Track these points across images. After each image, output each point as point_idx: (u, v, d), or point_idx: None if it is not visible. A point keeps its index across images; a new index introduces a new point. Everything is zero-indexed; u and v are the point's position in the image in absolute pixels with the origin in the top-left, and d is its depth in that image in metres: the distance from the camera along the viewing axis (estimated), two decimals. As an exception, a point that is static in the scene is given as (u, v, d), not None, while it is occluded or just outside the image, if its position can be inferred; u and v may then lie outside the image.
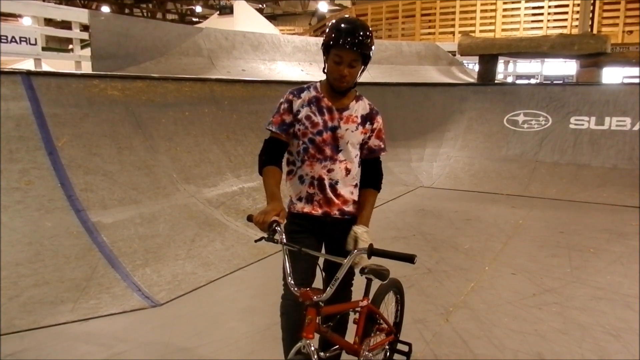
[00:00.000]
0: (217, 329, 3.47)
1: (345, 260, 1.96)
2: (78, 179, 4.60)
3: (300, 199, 2.42)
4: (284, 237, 2.03)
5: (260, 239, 2.05)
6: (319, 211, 2.39)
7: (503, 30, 16.47)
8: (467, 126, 9.30)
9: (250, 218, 2.10)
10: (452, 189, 8.30)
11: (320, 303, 1.96)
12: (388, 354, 2.79)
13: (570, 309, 3.78)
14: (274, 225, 2.01)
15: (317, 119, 2.34)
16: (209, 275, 4.36)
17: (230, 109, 6.97)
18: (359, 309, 2.39)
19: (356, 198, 2.47)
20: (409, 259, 1.91)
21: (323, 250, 2.49)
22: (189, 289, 4.08)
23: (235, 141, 6.69)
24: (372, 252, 1.99)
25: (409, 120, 9.41)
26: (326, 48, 2.25)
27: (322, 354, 2.12)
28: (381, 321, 2.60)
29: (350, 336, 2.41)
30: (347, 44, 2.17)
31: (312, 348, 1.89)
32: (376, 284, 2.47)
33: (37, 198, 4.26)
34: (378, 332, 2.59)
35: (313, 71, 10.64)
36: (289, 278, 2.02)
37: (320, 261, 2.31)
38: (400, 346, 2.88)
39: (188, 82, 6.56)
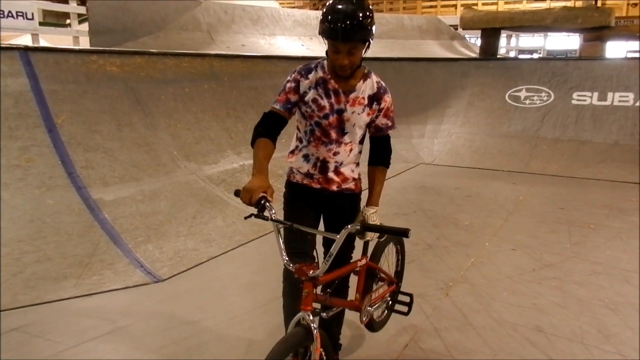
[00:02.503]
0: (219, 303, 3.51)
1: (338, 236, 1.92)
2: (78, 156, 4.59)
3: (300, 173, 2.43)
4: (274, 212, 1.96)
5: (250, 216, 1.99)
6: (317, 186, 2.41)
7: (506, 3, 16.24)
8: (469, 102, 9.23)
9: (237, 193, 2.01)
10: (453, 165, 8.29)
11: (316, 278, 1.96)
12: (390, 303, 2.81)
13: (569, 284, 3.81)
14: (262, 202, 1.94)
15: (324, 102, 2.29)
16: (210, 251, 4.39)
17: (230, 85, 6.91)
18: (358, 269, 2.40)
19: (356, 176, 2.48)
20: (403, 233, 1.87)
21: (322, 223, 2.49)
22: (191, 265, 4.11)
23: (235, 118, 6.65)
24: (365, 227, 1.97)
25: (409, 96, 9.34)
26: (322, 35, 2.13)
27: (324, 314, 2.14)
28: (382, 274, 2.61)
29: (352, 292, 2.43)
30: (340, 35, 2.04)
31: (311, 318, 1.90)
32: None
33: (37, 175, 4.26)
34: (380, 283, 2.62)
35: (314, 46, 10.51)
36: (283, 254, 1.98)
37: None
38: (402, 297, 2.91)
39: (187, 58, 6.49)
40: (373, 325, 2.69)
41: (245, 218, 2.02)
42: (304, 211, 2.40)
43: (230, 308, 3.43)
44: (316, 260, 2.19)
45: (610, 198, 6.27)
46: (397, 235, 1.90)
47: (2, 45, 4.51)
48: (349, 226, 1.94)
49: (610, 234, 4.93)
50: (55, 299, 3.45)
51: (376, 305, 2.63)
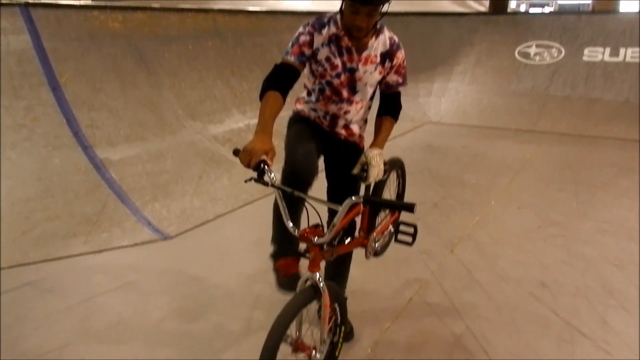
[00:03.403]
0: (226, 260, 3.56)
1: (341, 207, 1.86)
2: (83, 115, 4.56)
3: (309, 112, 2.38)
4: (273, 177, 1.88)
5: (250, 180, 1.90)
6: (326, 128, 2.37)
7: (518, -44, 15.62)
8: (477, 59, 9.03)
9: (236, 152, 1.89)
10: (460, 124, 8.20)
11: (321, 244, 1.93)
12: (392, 231, 2.80)
13: (574, 242, 3.83)
14: (262, 166, 1.84)
15: (337, 60, 2.21)
16: (217, 210, 4.42)
17: (234, 42, 6.77)
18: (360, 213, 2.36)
19: (363, 133, 2.46)
20: (409, 208, 1.77)
21: (321, 161, 2.40)
22: (198, 223, 4.15)
23: (240, 76, 6.56)
24: (367, 201, 1.90)
25: (417, 54, 9.11)
26: None
27: (326, 249, 2.09)
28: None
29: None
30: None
31: (318, 277, 1.92)
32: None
33: (43, 135, 4.25)
34: (382, 215, 2.62)
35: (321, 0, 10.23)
36: (287, 220, 1.92)
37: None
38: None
39: (190, 14, 6.33)
40: (376, 253, 2.67)
41: (246, 181, 1.93)
42: (309, 135, 2.29)
43: (237, 265, 3.48)
44: (321, 224, 2.16)
45: (619, 157, 6.21)
46: (402, 210, 1.83)
47: (2, 2, 4.41)
48: (353, 197, 1.85)
49: (618, 193, 4.91)
50: (65, 256, 3.51)
51: (380, 238, 2.63)
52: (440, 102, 8.85)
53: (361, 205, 2.26)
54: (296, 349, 2.01)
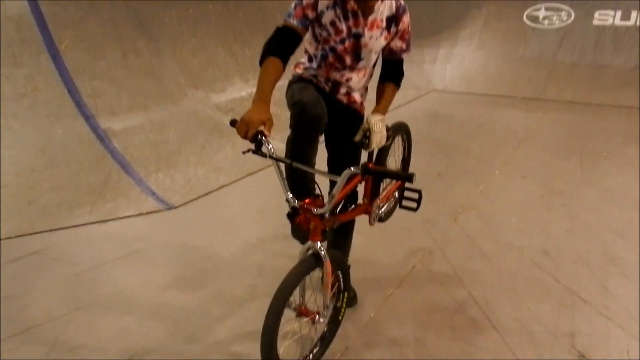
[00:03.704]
0: (230, 229, 3.59)
1: (340, 179, 1.84)
2: (84, 84, 4.52)
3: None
4: (271, 148, 1.82)
5: (248, 151, 1.85)
6: (328, 92, 2.29)
7: None
8: (485, 23, 8.84)
9: (233, 123, 1.82)
10: (466, 92, 8.11)
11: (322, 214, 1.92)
12: (397, 196, 2.78)
13: (578, 210, 3.82)
14: (259, 137, 1.78)
15: (342, 25, 2.11)
16: (220, 180, 4.43)
17: (236, 6, 6.62)
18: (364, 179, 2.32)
19: (364, 101, 2.40)
20: (407, 178, 1.73)
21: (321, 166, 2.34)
22: (202, 193, 4.17)
23: (242, 43, 6.45)
24: (366, 171, 1.85)
25: (423, 18, 8.95)
26: None
27: (328, 218, 2.06)
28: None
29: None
30: None
31: (319, 246, 1.93)
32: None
33: (45, 105, 4.23)
34: (387, 181, 2.60)
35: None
36: (285, 191, 1.91)
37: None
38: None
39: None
40: (381, 219, 2.67)
41: (243, 153, 1.89)
42: (314, 90, 2.16)
43: (241, 234, 3.51)
44: (321, 195, 2.12)
45: (626, 125, 6.14)
46: (401, 180, 1.79)
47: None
48: (352, 168, 1.82)
49: (623, 162, 4.88)
50: (71, 225, 3.55)
51: (384, 205, 2.63)
52: (445, 69, 8.73)
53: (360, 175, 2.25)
54: (300, 314, 2.05)
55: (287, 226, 2.17)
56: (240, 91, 6.00)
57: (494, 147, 5.39)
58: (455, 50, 8.86)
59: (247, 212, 3.88)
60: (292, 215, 2.00)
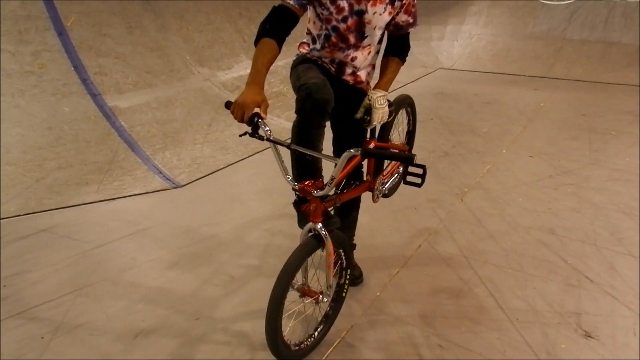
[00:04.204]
0: (236, 207, 3.60)
1: (339, 160, 1.81)
2: (90, 61, 4.51)
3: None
4: (268, 131, 1.79)
5: (244, 134, 1.82)
6: (333, 73, 2.24)
7: None
8: (493, -1, 8.69)
9: (228, 105, 1.79)
10: (473, 70, 8.01)
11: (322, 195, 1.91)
12: (401, 171, 2.77)
13: (585, 190, 3.81)
14: (255, 120, 1.76)
15: (343, 2, 2.03)
16: (227, 158, 4.43)
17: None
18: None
19: (370, 79, 2.35)
20: (408, 159, 1.66)
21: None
22: (208, 172, 4.17)
23: (248, 19, 6.38)
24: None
25: (430, -7, 8.80)
26: None
27: (329, 197, 2.05)
28: (393, 149, 2.53)
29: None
30: None
31: (320, 227, 1.93)
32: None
33: (51, 82, 4.22)
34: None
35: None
36: (284, 174, 1.89)
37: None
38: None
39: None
40: (385, 195, 2.66)
41: (240, 136, 1.86)
42: (319, 71, 2.11)
43: (247, 212, 3.53)
44: (321, 177, 2.09)
45: (634, 104, 6.06)
46: (402, 161, 1.74)
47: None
48: (352, 150, 1.78)
49: (632, 141, 4.83)
50: (79, 203, 3.57)
51: (389, 180, 2.62)
52: (453, 47, 8.61)
53: (366, 147, 2.22)
54: (303, 294, 2.08)
55: (292, 205, 2.17)
56: (247, 69, 5.95)
57: (501, 126, 5.35)
58: (463, 27, 8.73)
59: (253, 190, 3.89)
60: (298, 203, 2.00)
